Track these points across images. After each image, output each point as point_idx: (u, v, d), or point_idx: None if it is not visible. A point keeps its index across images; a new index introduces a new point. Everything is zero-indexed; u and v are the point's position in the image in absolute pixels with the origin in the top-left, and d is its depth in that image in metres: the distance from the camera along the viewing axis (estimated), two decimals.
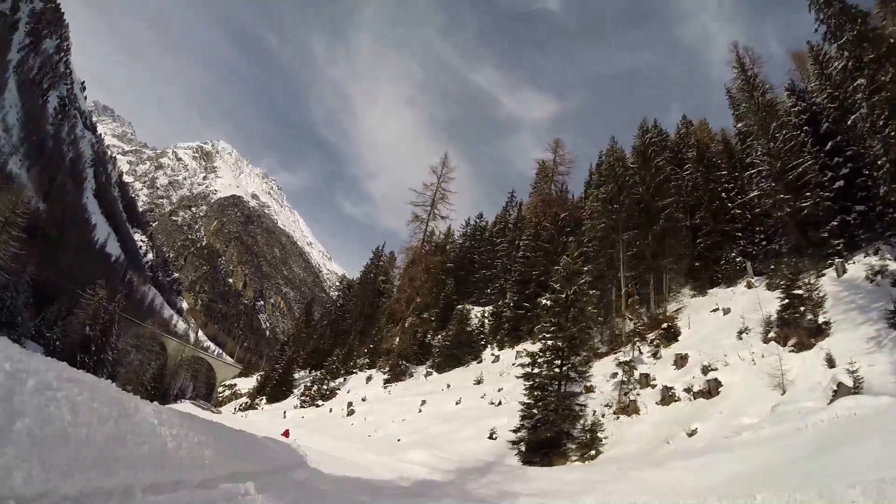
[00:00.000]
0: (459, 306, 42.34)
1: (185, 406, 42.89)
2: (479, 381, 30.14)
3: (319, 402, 42.18)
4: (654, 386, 19.23)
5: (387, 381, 40.88)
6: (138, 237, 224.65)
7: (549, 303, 19.14)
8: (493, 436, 20.06)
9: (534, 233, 42.16)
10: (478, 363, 36.96)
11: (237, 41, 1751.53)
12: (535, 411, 17.59)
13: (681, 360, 20.13)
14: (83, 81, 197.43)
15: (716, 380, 16.92)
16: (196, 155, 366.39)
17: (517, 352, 33.14)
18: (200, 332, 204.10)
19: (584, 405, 18.12)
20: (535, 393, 17.94)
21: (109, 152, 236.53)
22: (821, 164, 25.19)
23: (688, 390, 17.62)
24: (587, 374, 18.58)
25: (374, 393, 39.04)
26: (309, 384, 45.85)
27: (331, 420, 34.33)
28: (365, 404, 35.02)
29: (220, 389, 71.10)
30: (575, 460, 16.30)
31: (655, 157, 33.43)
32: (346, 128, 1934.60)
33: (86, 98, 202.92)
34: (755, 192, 27.46)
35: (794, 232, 25.08)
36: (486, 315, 42.56)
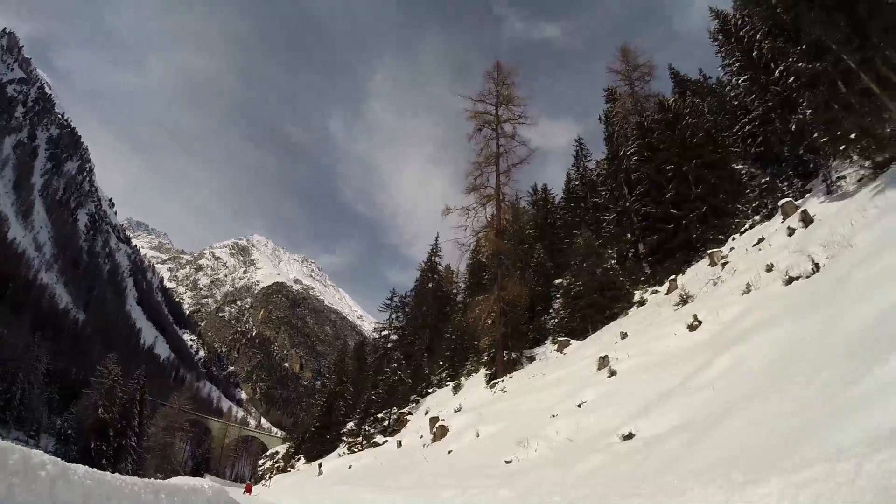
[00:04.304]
0: (580, 237, 30.76)
1: (194, 480, 33.57)
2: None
3: (379, 440, 31.71)
4: None
5: (491, 378, 28.33)
6: (188, 337, 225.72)
7: None
8: None
9: (641, 132, 31.81)
10: (638, 307, 24.98)
11: (260, 137, 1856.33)
12: None
13: None
14: (111, 198, 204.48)
15: None
16: (233, 252, 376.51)
17: (711, 254, 21.38)
18: (263, 420, 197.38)
19: None
20: None
21: (148, 261, 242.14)
22: None
23: None
24: None
25: (475, 398, 26.76)
26: (359, 418, 35.72)
27: (401, 459, 21.82)
28: (464, 416, 22.10)
29: (261, 461, 61.39)
30: None
31: None
32: (377, 200, 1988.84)
33: (116, 213, 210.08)
34: None
35: None
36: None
